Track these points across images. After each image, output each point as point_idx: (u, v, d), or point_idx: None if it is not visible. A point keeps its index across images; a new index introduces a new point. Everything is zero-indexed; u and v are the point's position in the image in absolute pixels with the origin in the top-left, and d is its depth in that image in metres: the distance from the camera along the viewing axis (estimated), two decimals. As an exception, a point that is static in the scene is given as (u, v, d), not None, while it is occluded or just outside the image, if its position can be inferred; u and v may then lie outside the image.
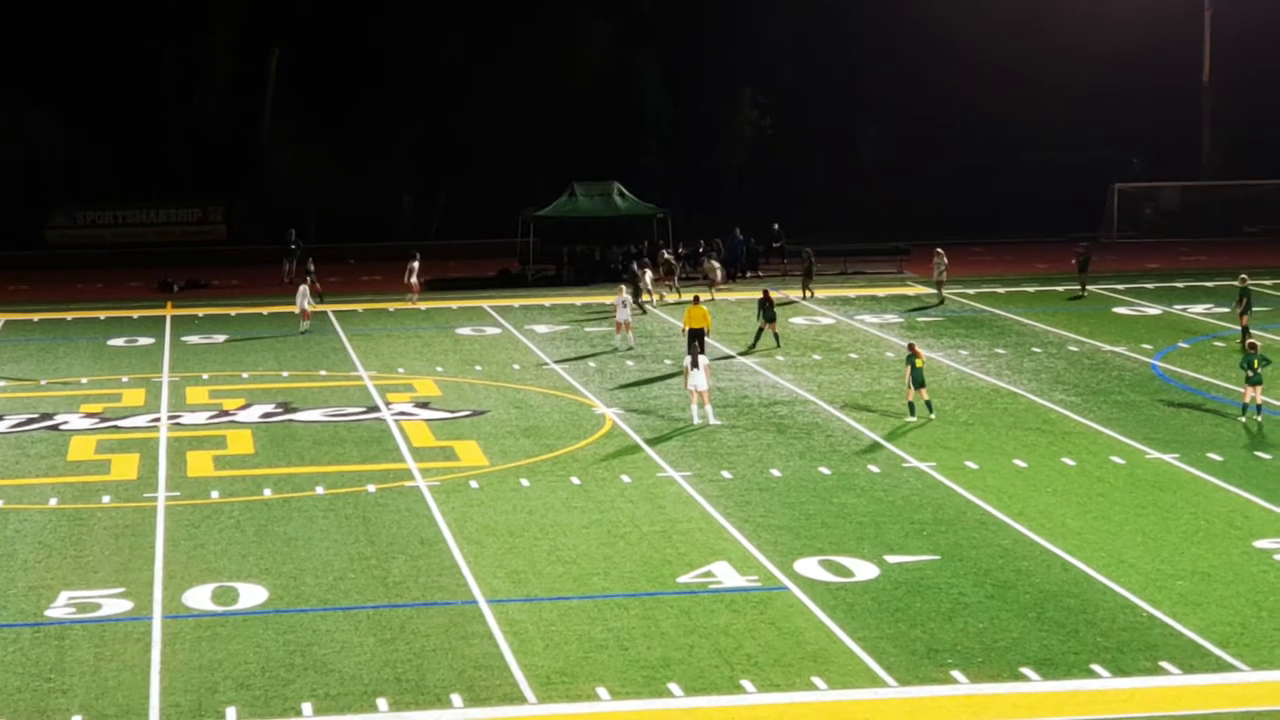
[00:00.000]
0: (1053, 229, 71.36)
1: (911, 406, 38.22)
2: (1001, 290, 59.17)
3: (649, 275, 56.78)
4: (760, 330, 48.12)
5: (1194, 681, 22.64)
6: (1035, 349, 47.60)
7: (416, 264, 57.72)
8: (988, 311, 54.72)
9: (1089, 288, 57.72)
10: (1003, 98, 76.85)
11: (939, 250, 57.04)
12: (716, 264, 59.77)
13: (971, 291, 58.95)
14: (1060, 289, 58.63)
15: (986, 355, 46.68)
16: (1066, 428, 37.56)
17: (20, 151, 72.39)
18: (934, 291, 57.19)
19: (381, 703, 22.19)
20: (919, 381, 37.87)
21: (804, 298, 57.01)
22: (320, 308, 55.10)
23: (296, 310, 52.04)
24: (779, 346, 47.59)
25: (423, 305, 56.54)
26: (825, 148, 77.28)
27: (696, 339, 43.31)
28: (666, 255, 60.02)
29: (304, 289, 52.51)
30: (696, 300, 46.06)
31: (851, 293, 59.35)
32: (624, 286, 51.16)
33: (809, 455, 35.04)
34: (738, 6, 78.17)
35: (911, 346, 38.86)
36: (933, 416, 37.96)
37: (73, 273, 66.04)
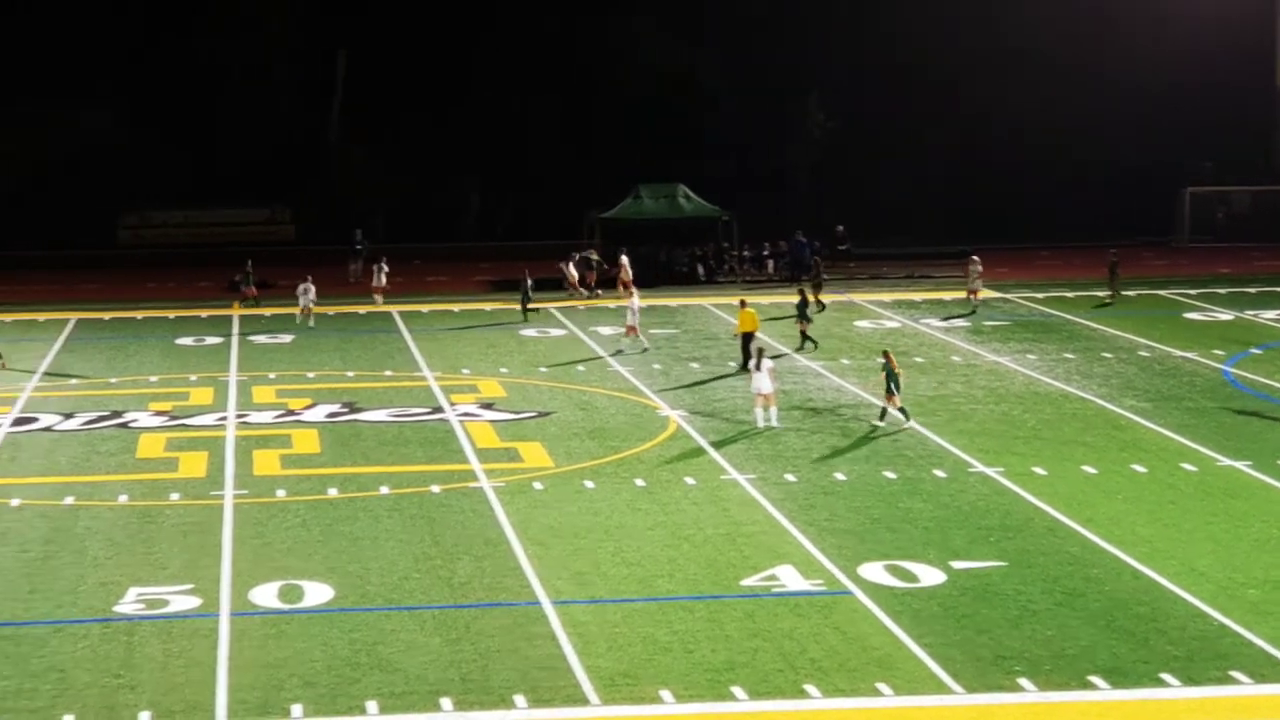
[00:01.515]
0: (1123, 233, 70.81)
1: (884, 412, 38.02)
2: (1070, 294, 58.75)
3: (573, 273, 57.89)
4: (803, 333, 47.98)
5: (1265, 691, 22.40)
6: (1105, 354, 47.24)
7: (386, 266, 58.26)
8: (1056, 316, 54.34)
9: (1122, 292, 57.16)
10: (1072, 100, 76.30)
11: (974, 258, 56.60)
12: (572, 269, 59.23)
13: (1040, 295, 58.59)
14: (1131, 294, 58.14)
15: (1055, 360, 46.35)
16: (1136, 434, 37.25)
17: (93, 152, 72.94)
18: (996, 296, 56.78)
19: (445, 702, 22.21)
20: (896, 387, 37.72)
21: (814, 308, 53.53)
22: (383, 308, 55.43)
23: (299, 308, 53.06)
24: (802, 348, 47.32)
25: (383, 308, 56.51)
26: (892, 150, 76.91)
27: (750, 342, 43.44)
28: (592, 256, 59.89)
29: (309, 287, 53.28)
30: (743, 304, 45.88)
31: (917, 296, 59.08)
32: (635, 291, 51.47)
33: (874, 459, 34.87)
34: (805, 8, 77.92)
35: (886, 354, 38.51)
36: (893, 419, 37.73)
37: (144, 272, 66.54)
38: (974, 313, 55.03)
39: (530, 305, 54.70)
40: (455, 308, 56.91)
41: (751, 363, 38.40)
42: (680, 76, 77.24)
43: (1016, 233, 71.17)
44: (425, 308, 56.91)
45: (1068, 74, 76.30)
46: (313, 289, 53.71)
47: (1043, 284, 61.26)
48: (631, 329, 48.21)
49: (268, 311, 56.29)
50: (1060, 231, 72.33)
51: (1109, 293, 57.33)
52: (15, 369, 45.76)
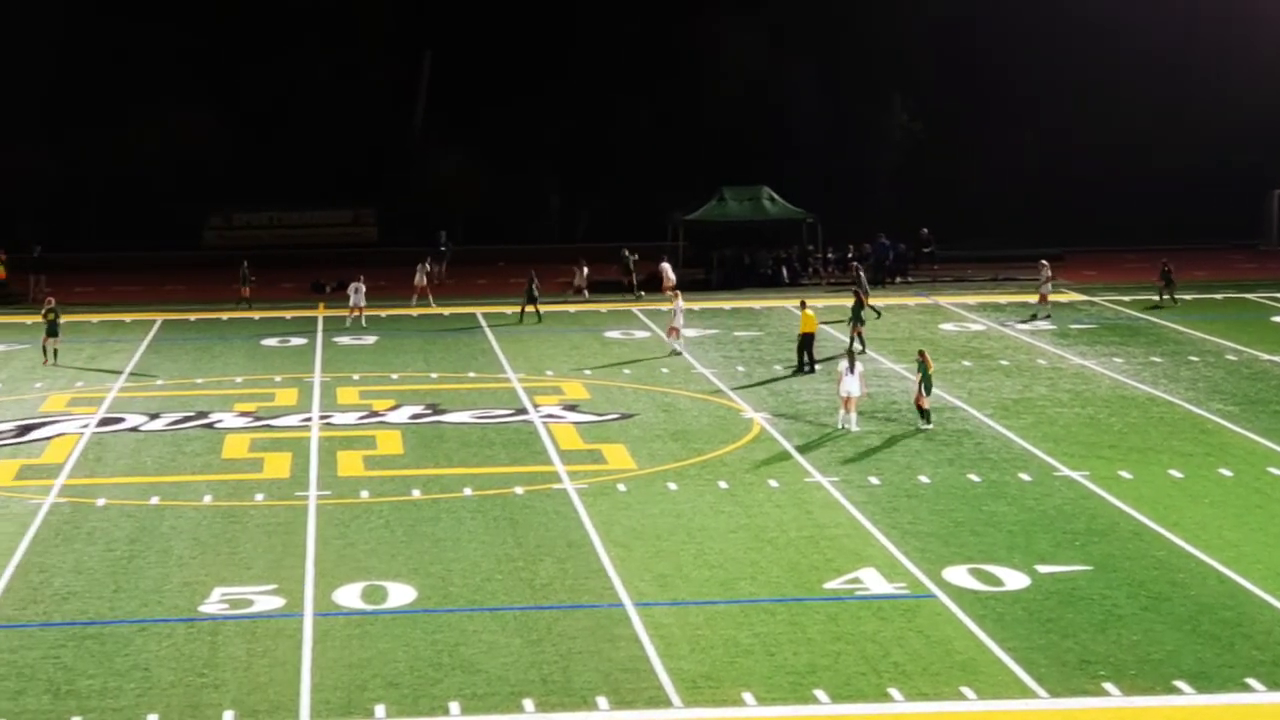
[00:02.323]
0: (1210, 235, 70.09)
1: (923, 413, 37.79)
2: (1157, 297, 58.17)
3: (585, 273, 58.83)
4: (856, 335, 47.67)
5: (1355, 699, 22.14)
6: (1192, 357, 46.78)
7: (428, 266, 58.94)
8: (1143, 319, 53.86)
9: (1176, 298, 56.46)
10: (1160, 102, 75.64)
11: (1043, 261, 56.08)
12: (585, 272, 59.97)
13: (1126, 299, 58.09)
14: (1219, 297, 57.56)
15: (1142, 363, 45.94)
16: (1224, 438, 36.87)
17: (179, 153, 73.63)
18: (1083, 299, 56.26)
19: (528, 703, 22.25)
20: (927, 389, 37.45)
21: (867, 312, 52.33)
22: (464, 309, 55.64)
23: (350, 305, 53.78)
24: (860, 351, 46.91)
25: (445, 311, 56.75)
26: (977, 152, 76.47)
27: (810, 344, 44.16)
28: (631, 257, 60.33)
29: (360, 286, 53.87)
30: (803, 305, 45.74)
31: (1003, 299, 58.68)
32: (679, 293, 51.15)
33: (958, 462, 34.67)
34: (888, 10, 77.64)
35: (921, 354, 38.19)
36: (929, 426, 37.48)
37: (229, 273, 66.97)
38: (1048, 316, 54.42)
39: (536, 308, 54.73)
40: (539, 309, 56.98)
41: (842, 364, 38.22)
42: (765, 78, 77.13)
43: (1102, 236, 70.59)
44: (509, 309, 57.03)
45: (1156, 75, 75.61)
46: (364, 288, 54.04)
47: (1129, 287, 60.72)
48: (674, 330, 48.32)
49: (256, 315, 56.28)
50: (1147, 234, 71.64)
51: (1169, 297, 56.59)
52: (103, 369, 46.33)
